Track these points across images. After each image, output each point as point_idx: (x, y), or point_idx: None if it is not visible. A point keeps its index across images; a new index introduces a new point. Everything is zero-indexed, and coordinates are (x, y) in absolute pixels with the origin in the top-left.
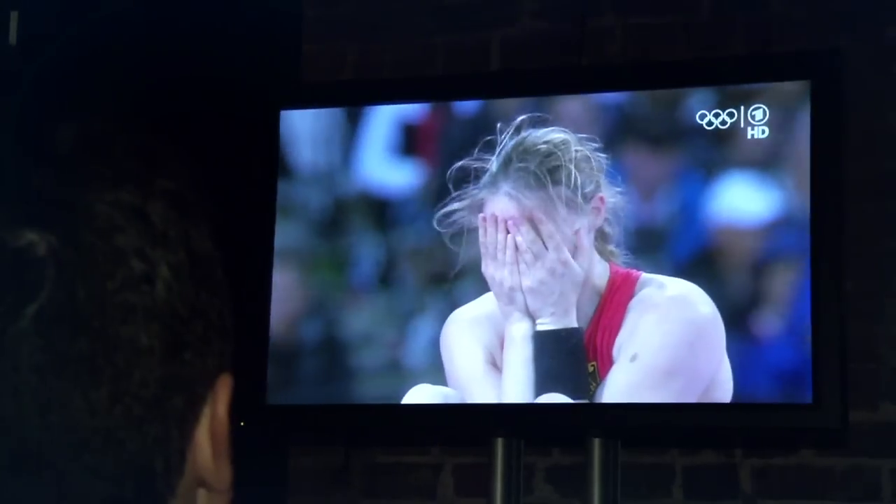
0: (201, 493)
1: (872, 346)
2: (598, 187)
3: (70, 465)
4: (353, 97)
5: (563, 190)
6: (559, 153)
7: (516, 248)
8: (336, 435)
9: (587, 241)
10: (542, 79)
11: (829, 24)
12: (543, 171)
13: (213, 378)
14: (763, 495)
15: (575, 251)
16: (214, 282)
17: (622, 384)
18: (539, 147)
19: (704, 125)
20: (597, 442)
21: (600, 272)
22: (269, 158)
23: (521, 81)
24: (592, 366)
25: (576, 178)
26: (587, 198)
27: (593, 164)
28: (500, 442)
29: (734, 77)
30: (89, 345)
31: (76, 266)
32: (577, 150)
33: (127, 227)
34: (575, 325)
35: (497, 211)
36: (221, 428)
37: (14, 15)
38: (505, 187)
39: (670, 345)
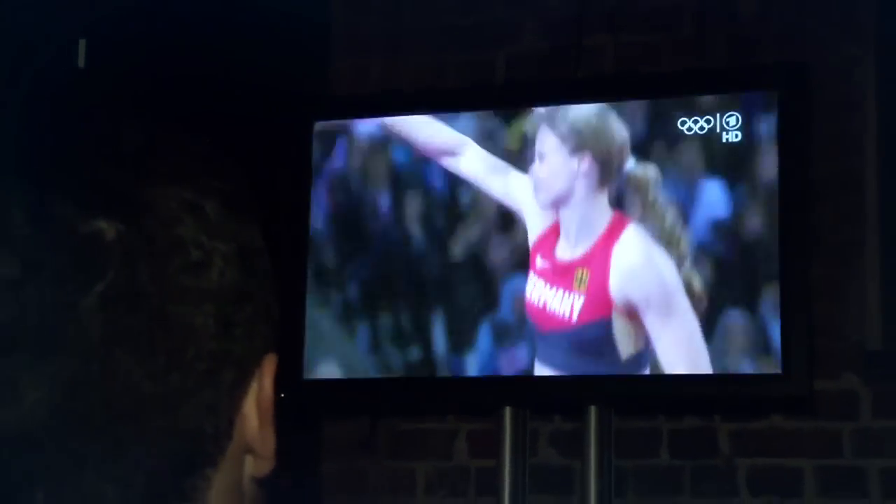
0: (248, 458)
1: (835, 323)
2: None
3: (130, 426)
4: (376, 108)
5: None
6: None
7: None
8: (363, 406)
9: None
10: (543, 90)
11: (796, 40)
12: None
13: (260, 356)
14: (739, 455)
15: None
16: (261, 271)
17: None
18: None
19: (685, 130)
20: (593, 410)
21: None
22: (303, 165)
23: (524, 93)
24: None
25: None
26: None
27: None
28: (507, 410)
29: (711, 88)
30: (149, 321)
31: (139, 251)
32: None
33: (186, 219)
34: None
35: None
36: (266, 400)
37: (82, 42)
38: None
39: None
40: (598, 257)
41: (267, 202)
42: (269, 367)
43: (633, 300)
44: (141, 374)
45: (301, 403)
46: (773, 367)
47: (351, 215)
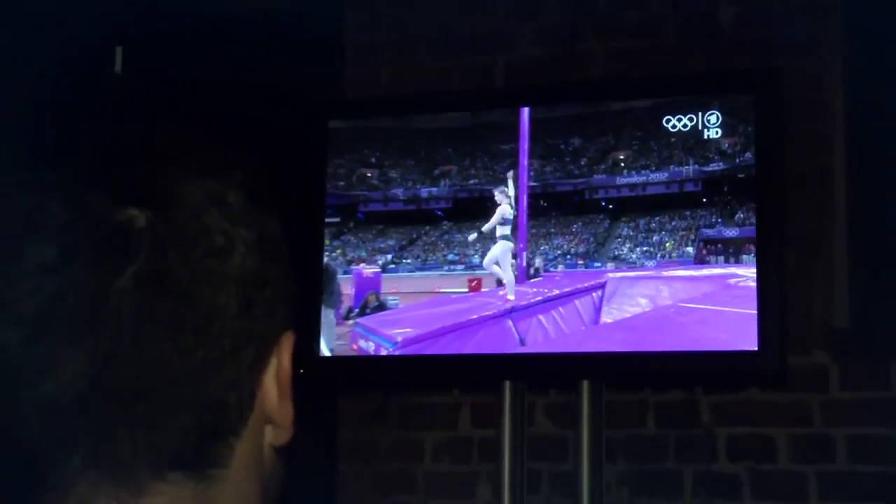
0: (268, 428)
1: (806, 305)
2: None
3: (161, 396)
4: (386, 109)
5: None
6: None
7: None
8: (375, 381)
9: None
10: (538, 93)
11: (770, 47)
12: None
13: (279, 334)
14: (719, 425)
15: None
16: (280, 257)
17: None
18: None
19: (669, 128)
20: (585, 384)
21: None
22: (319, 160)
23: (521, 95)
24: None
25: None
26: None
27: None
28: (507, 385)
29: (693, 90)
30: (177, 301)
31: (168, 237)
32: None
33: (211, 208)
34: None
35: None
36: (285, 375)
37: (119, 49)
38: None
39: None
40: None
41: (285, 193)
42: (287, 344)
43: None
44: (170, 349)
45: (318, 379)
46: (749, 344)
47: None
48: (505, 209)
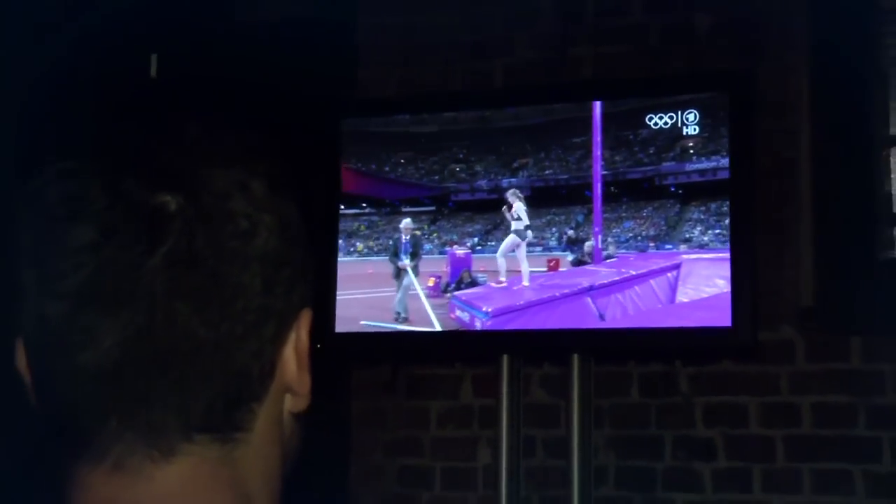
0: (287, 396)
1: (774, 285)
2: None
3: (190, 365)
4: (395, 108)
5: None
6: None
7: None
8: (386, 355)
9: None
10: (534, 94)
11: (743, 51)
12: None
13: (297, 310)
14: (696, 394)
15: None
16: (298, 240)
17: None
18: None
19: (652, 125)
20: (576, 357)
21: None
22: (333, 155)
23: (518, 96)
24: None
25: None
26: None
27: None
28: (505, 358)
29: (673, 90)
30: (205, 279)
31: (197, 221)
32: None
33: (236, 195)
34: None
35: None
36: (303, 347)
37: (154, 56)
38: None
39: None
40: None
41: (303, 183)
42: (305, 319)
43: None
44: (198, 323)
45: (333, 353)
46: (724, 321)
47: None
48: (519, 207)
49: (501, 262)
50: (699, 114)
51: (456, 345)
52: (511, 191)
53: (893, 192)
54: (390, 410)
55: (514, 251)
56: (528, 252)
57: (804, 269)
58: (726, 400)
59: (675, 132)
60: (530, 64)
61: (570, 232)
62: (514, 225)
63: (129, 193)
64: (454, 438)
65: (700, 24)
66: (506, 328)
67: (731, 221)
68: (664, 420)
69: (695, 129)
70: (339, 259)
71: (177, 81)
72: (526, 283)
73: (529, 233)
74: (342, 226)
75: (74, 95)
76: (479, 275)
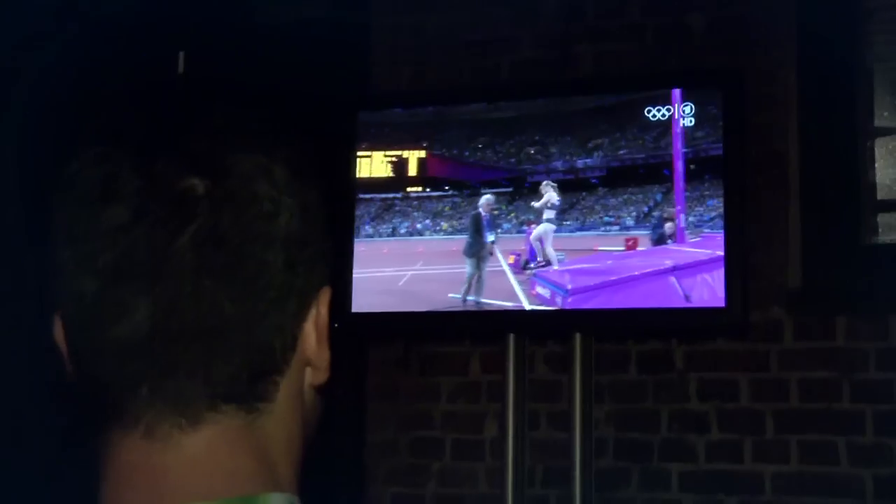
0: (308, 370)
1: (765, 269)
2: None
3: (216, 338)
4: (408, 101)
5: None
6: None
7: None
8: (399, 333)
9: None
10: (537, 88)
11: (735, 49)
12: None
13: (317, 288)
14: (691, 371)
15: None
16: (319, 222)
17: None
18: None
19: (650, 117)
20: (578, 336)
21: None
22: (349, 145)
23: (523, 90)
24: None
25: None
26: None
27: None
28: (511, 337)
29: (670, 84)
30: (230, 257)
31: (223, 203)
32: None
33: (260, 179)
34: None
35: None
36: (323, 323)
37: (181, 54)
38: None
39: None
40: None
41: (322, 170)
42: (324, 297)
43: None
44: (223, 298)
45: (350, 331)
46: (717, 301)
47: None
48: (551, 195)
49: (537, 246)
50: (694, 107)
51: (464, 324)
52: (545, 182)
53: (877, 180)
54: (403, 386)
55: (541, 239)
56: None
57: (793, 254)
58: (719, 376)
59: (672, 123)
60: (533, 61)
61: (656, 212)
62: (546, 214)
63: (159, 176)
64: (463, 412)
65: (694, 25)
66: (584, 307)
67: (724, 209)
68: (660, 395)
69: (690, 122)
70: (427, 237)
71: (203, 77)
72: (556, 267)
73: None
74: (430, 207)
75: (107, 86)
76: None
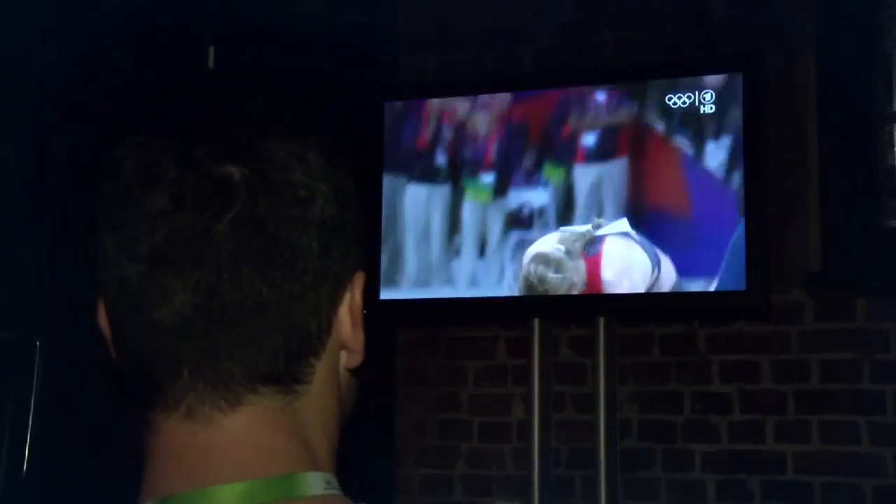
0: (343, 353)
1: (785, 252)
2: None
3: (254, 321)
4: (433, 91)
5: None
6: None
7: None
8: (428, 318)
9: None
10: (560, 76)
11: (754, 34)
12: None
13: (352, 273)
14: (712, 353)
15: None
16: (352, 207)
17: None
18: None
19: (671, 105)
20: (601, 320)
21: None
22: (377, 133)
23: (546, 78)
24: None
25: None
26: None
27: None
28: (536, 321)
29: (690, 71)
30: (267, 242)
31: (260, 189)
32: None
33: (295, 165)
34: None
35: None
36: (357, 307)
37: (211, 48)
38: None
39: None
40: None
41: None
42: (358, 281)
43: None
44: (261, 283)
45: (380, 317)
46: (739, 284)
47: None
48: None
49: None
50: (714, 94)
51: (491, 309)
52: None
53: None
54: (432, 369)
55: None
56: None
57: (812, 237)
58: (741, 358)
59: (693, 110)
60: (555, 49)
61: None
62: None
63: (198, 164)
64: (490, 395)
65: (714, 11)
66: None
67: (745, 192)
68: (683, 377)
69: (711, 108)
70: None
71: (233, 72)
72: None
73: None
74: None
75: (140, 81)
76: None
